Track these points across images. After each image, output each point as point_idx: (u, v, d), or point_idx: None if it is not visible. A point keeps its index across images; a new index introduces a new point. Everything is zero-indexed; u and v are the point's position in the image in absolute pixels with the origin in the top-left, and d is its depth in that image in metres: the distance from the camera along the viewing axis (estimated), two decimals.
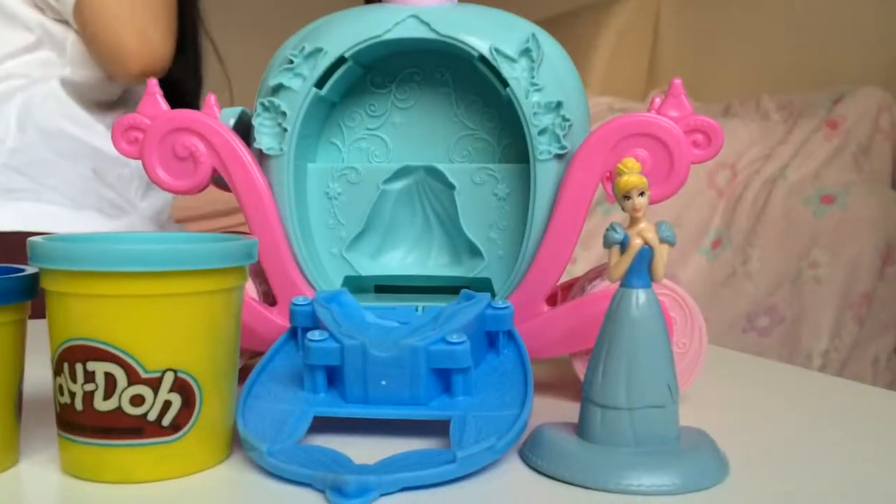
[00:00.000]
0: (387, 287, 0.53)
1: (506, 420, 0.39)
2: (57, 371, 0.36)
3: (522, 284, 0.48)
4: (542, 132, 0.47)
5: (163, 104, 0.49)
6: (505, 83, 0.47)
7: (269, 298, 0.52)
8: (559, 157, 0.47)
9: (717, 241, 1.48)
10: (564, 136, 0.47)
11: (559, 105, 0.47)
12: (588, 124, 0.51)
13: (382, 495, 0.34)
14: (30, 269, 0.37)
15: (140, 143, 0.48)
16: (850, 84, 1.55)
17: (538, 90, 0.47)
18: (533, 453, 0.38)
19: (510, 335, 0.45)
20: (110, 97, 0.98)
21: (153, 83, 0.49)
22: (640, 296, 0.37)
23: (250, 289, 0.51)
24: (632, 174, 0.37)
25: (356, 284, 0.52)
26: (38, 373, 0.44)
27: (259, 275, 0.52)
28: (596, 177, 0.47)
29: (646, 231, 0.37)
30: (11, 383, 0.36)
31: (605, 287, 0.48)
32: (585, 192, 0.47)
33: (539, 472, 0.37)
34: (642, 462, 0.36)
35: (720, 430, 0.40)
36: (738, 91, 1.81)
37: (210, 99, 0.54)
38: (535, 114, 0.47)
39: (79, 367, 0.35)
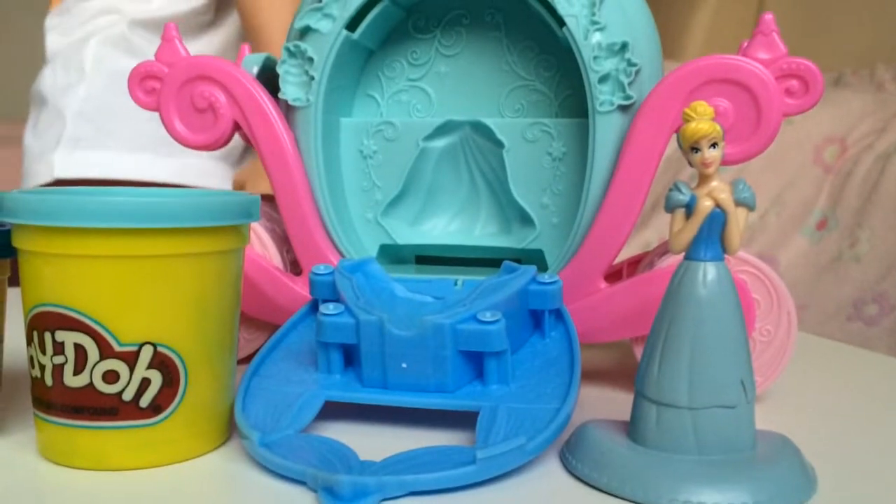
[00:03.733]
0: (428, 258, 0.48)
1: (543, 415, 0.33)
2: (28, 340, 0.32)
3: (577, 257, 0.42)
4: (603, 79, 0.40)
5: (182, 50, 0.44)
6: (561, 22, 0.41)
7: (296, 268, 0.47)
8: (623, 108, 0.40)
9: (821, 221, 1.36)
10: (630, 83, 0.40)
11: (624, 47, 0.40)
12: (660, 71, 0.44)
13: (385, 500, 0.29)
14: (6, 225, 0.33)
15: (157, 92, 0.44)
16: None
17: (600, 29, 0.40)
18: (574, 456, 0.32)
19: (559, 315, 0.39)
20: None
21: (171, 27, 0.44)
22: (708, 270, 0.30)
23: (275, 256, 0.46)
24: (701, 120, 0.30)
25: (394, 254, 0.47)
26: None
27: (285, 241, 0.47)
28: (666, 132, 0.40)
29: (718, 191, 0.30)
30: None
31: (672, 261, 0.41)
32: (653, 149, 0.40)
33: (579, 479, 0.31)
34: (706, 473, 0.29)
35: (808, 437, 0.33)
36: (850, 60, 1.66)
37: (244, 49, 0.49)
38: (595, 57, 0.40)
39: (48, 337, 0.30)
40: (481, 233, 0.47)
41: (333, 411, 0.36)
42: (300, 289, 0.44)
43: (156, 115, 0.45)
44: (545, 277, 0.38)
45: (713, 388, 0.30)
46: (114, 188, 0.37)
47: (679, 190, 0.31)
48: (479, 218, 0.47)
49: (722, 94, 0.39)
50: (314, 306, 0.41)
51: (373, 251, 0.46)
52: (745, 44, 0.41)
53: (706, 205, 0.30)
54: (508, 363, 0.35)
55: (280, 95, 0.44)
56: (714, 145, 0.30)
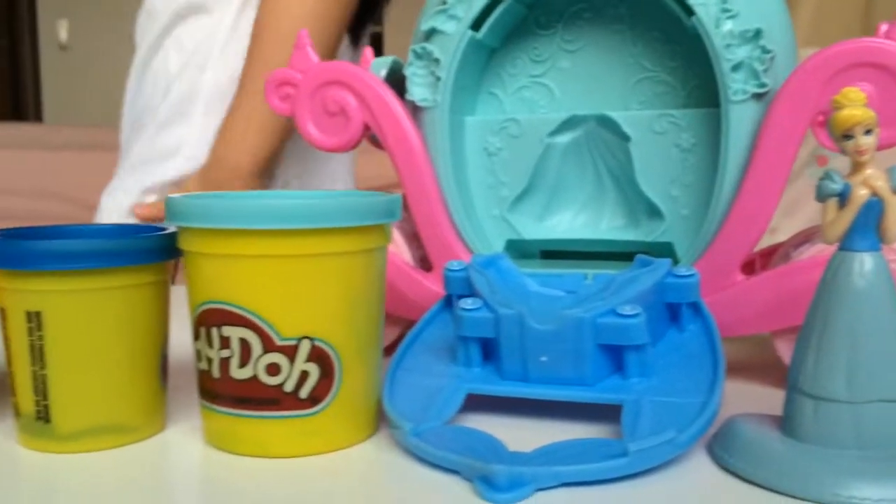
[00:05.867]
0: (554, 252, 0.48)
1: (689, 409, 0.33)
2: (195, 335, 0.34)
3: (711, 249, 0.41)
4: (736, 68, 0.40)
5: (313, 57, 0.46)
6: (690, 11, 0.40)
7: (425, 263, 0.48)
8: (758, 97, 0.40)
9: None
10: (765, 71, 0.39)
11: (758, 34, 0.39)
12: (794, 57, 0.42)
13: (538, 490, 0.29)
14: (171, 228, 0.35)
15: (292, 98, 0.46)
16: None
17: (731, 17, 0.40)
18: (725, 450, 0.31)
19: (696, 308, 0.38)
20: None
21: (303, 34, 0.46)
22: (864, 261, 0.30)
23: (405, 253, 0.47)
24: (854, 107, 0.29)
25: (519, 249, 0.47)
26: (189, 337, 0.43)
27: (414, 238, 0.48)
28: (804, 120, 0.39)
29: (873, 178, 0.29)
30: (154, 348, 0.35)
31: (815, 253, 0.40)
32: (791, 138, 0.39)
33: (732, 473, 0.31)
34: (869, 470, 0.28)
35: None
36: None
37: (366, 52, 0.51)
38: (727, 46, 0.40)
39: (214, 333, 0.32)
40: (608, 226, 0.46)
41: (473, 403, 0.37)
42: (431, 284, 0.45)
43: None
44: (682, 270, 0.38)
45: (874, 381, 0.29)
46: (273, 192, 0.39)
47: (832, 179, 0.30)
48: (604, 211, 0.47)
49: (865, 78, 0.38)
50: (448, 301, 0.42)
51: (499, 247, 0.47)
52: (885, 27, 0.39)
53: (862, 193, 0.29)
54: (649, 357, 0.35)
55: (407, 97, 0.45)
56: (868, 132, 0.29)
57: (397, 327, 0.48)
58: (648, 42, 0.45)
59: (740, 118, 0.40)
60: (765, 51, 0.39)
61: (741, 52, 0.39)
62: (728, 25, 0.40)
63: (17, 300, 0.32)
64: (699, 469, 0.31)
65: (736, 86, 0.40)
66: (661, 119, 0.43)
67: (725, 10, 0.39)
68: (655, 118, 0.43)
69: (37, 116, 3.52)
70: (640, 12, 0.45)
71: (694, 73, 0.44)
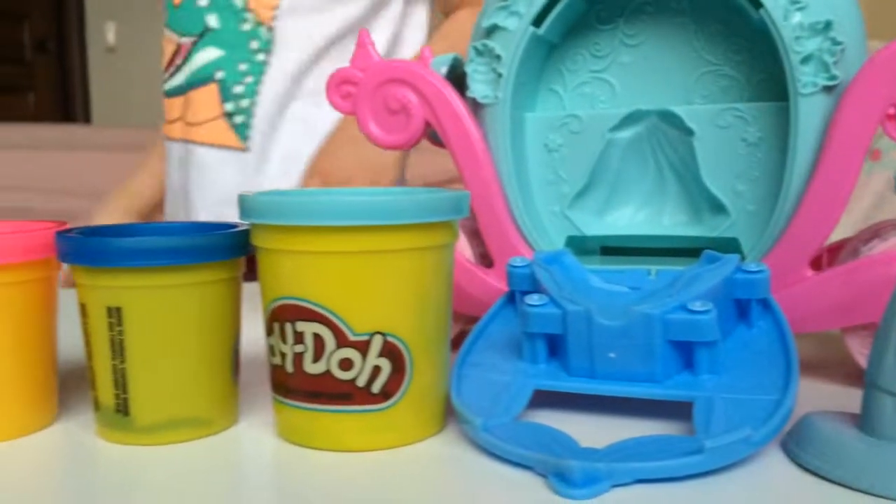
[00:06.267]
0: (614, 249, 0.48)
1: (764, 406, 0.32)
2: (268, 331, 0.34)
3: (780, 244, 0.40)
4: (805, 60, 0.39)
5: (374, 55, 0.46)
6: (758, 4, 0.40)
7: (485, 260, 0.49)
8: (828, 89, 0.39)
9: None
10: (835, 63, 0.39)
11: (828, 25, 0.38)
12: (865, 48, 0.42)
13: (613, 486, 0.29)
14: (242, 225, 0.36)
15: (353, 97, 0.47)
16: None
17: (801, 8, 0.39)
18: (802, 448, 0.31)
19: (765, 304, 0.38)
20: None
21: (364, 33, 0.46)
22: None
23: (465, 249, 0.47)
24: None
25: (580, 245, 0.47)
26: (260, 332, 0.43)
27: (475, 234, 0.48)
28: (876, 112, 0.38)
29: None
30: (226, 342, 0.35)
31: (887, 248, 0.39)
32: (864, 129, 0.38)
33: (808, 471, 0.30)
34: None
35: None
36: None
37: (424, 51, 0.51)
38: (796, 38, 0.39)
39: (288, 328, 0.33)
40: (670, 222, 0.46)
41: (538, 399, 0.37)
42: (492, 280, 0.45)
43: None
44: (751, 266, 0.37)
45: None
46: (343, 188, 0.39)
47: None
48: (666, 207, 0.46)
49: None
50: (510, 297, 0.42)
51: (559, 243, 0.47)
52: None
53: None
54: (719, 353, 0.35)
55: (468, 93, 0.45)
56: None
57: (457, 323, 0.48)
58: (711, 35, 0.44)
59: (810, 111, 0.39)
60: (835, 42, 0.38)
61: (811, 45, 0.39)
62: (797, 17, 0.39)
63: (98, 296, 0.33)
64: (774, 467, 0.31)
65: (805, 78, 0.39)
66: (725, 113, 0.43)
67: (794, 3, 0.39)
68: (720, 112, 0.43)
69: (85, 118, 3.60)
70: (703, 5, 0.44)
71: (759, 66, 0.43)
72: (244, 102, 0.85)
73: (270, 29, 0.85)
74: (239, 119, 0.86)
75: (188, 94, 0.87)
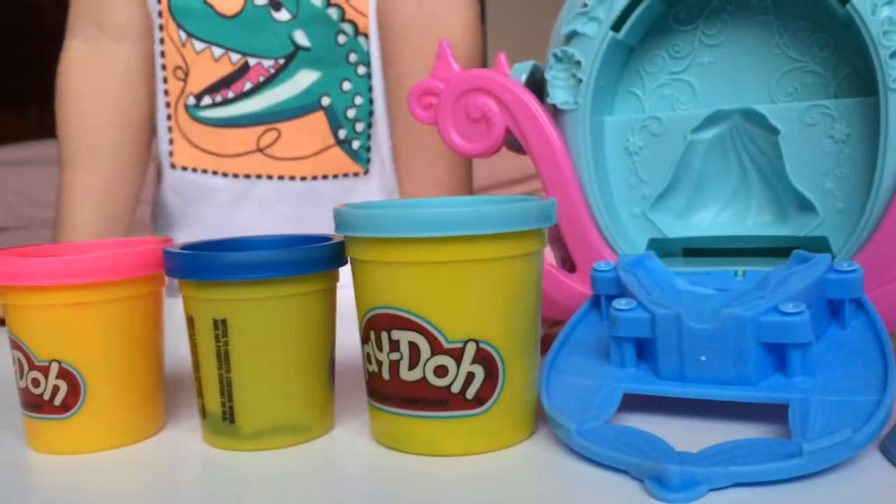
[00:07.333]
0: (697, 250, 0.47)
1: (862, 407, 0.32)
2: (364, 339, 0.36)
3: (871, 242, 0.40)
4: (895, 55, 0.38)
5: (455, 66, 0.47)
6: (843, 0, 0.39)
7: (567, 264, 0.49)
8: None
9: None
10: None
11: None
12: None
13: (711, 490, 0.29)
14: (337, 238, 0.37)
15: (434, 107, 0.48)
16: None
17: (888, 3, 0.38)
18: None
19: (859, 304, 0.37)
20: None
21: (444, 44, 0.47)
22: None
23: (548, 254, 0.48)
24: None
25: (662, 248, 0.47)
26: (355, 340, 0.45)
27: (556, 239, 0.49)
28: None
29: None
30: (323, 350, 0.37)
31: None
32: None
33: None
34: None
35: None
36: None
37: (500, 58, 0.52)
38: (885, 33, 0.38)
39: (384, 336, 0.34)
40: (755, 222, 0.46)
41: (627, 403, 0.37)
42: (576, 285, 0.46)
43: None
44: (844, 265, 0.37)
45: None
46: (437, 199, 0.40)
47: None
48: (750, 207, 0.46)
49: None
50: (595, 302, 0.42)
51: (642, 246, 0.47)
52: None
53: None
54: (813, 355, 0.35)
55: (548, 100, 0.46)
56: None
57: (542, 327, 0.49)
58: (795, 32, 0.44)
59: None
60: None
61: None
62: (885, 12, 0.38)
63: (205, 309, 0.35)
64: (873, 469, 0.31)
65: (895, 73, 0.38)
66: (811, 110, 0.42)
67: None
68: (806, 110, 0.42)
69: None
70: (786, 3, 0.44)
71: (845, 61, 0.43)
72: (359, 126, 0.79)
73: (367, 37, 0.77)
74: (356, 144, 0.79)
75: (276, 125, 0.77)
